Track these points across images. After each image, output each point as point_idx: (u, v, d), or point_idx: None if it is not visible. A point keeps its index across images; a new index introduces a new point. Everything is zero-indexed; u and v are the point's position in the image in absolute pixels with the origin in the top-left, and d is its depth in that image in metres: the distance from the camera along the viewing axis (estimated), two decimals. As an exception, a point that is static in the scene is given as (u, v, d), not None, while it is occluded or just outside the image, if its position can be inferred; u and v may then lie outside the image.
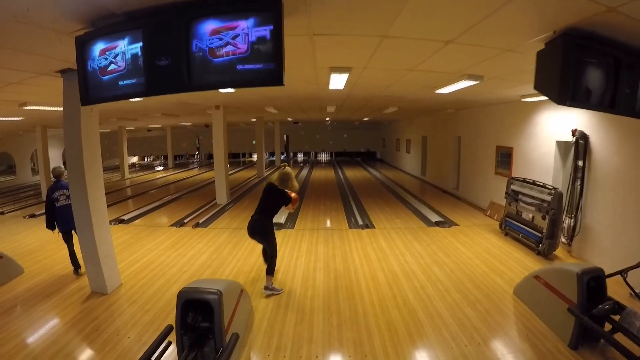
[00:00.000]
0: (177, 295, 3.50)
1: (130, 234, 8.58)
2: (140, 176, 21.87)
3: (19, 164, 21.13)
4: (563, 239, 6.92)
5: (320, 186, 16.15)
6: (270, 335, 4.23)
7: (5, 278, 5.81)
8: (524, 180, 7.76)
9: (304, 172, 22.05)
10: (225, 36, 2.51)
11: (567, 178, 7.22)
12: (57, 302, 5.10)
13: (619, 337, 3.65)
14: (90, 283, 5.46)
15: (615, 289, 4.58)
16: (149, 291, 5.42)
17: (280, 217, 8.68)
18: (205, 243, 7.71)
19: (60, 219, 5.95)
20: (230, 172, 22.17)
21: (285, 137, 32.24)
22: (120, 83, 3.09)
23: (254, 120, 19.70)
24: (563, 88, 3.16)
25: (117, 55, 3.03)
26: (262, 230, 5.27)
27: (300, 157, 32.89)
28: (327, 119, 21.47)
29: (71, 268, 6.08)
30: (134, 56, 2.93)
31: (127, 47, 2.95)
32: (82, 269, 5.84)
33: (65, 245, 6.08)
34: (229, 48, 2.52)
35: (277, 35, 2.41)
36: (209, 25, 2.55)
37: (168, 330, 3.52)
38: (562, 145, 7.64)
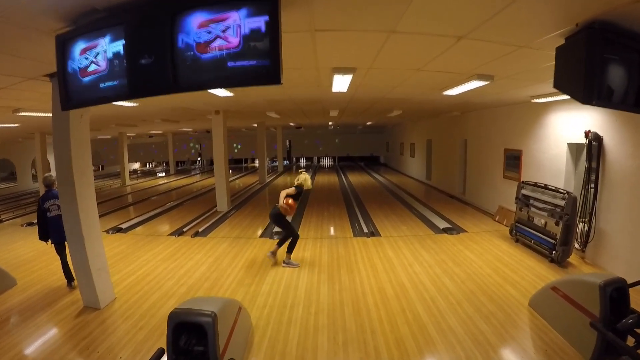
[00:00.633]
0: (168, 316, 3.23)
1: (127, 243, 8.31)
2: (141, 183, 21.65)
3: (20, 171, 21.02)
4: (576, 245, 6.60)
5: (323, 192, 15.84)
6: (271, 356, 3.93)
7: (-3, 290, 5.56)
8: (536, 185, 7.45)
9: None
10: (214, 29, 2.24)
11: (579, 181, 6.96)
12: (49, 316, 4.87)
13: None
14: (83, 297, 5.21)
15: (634, 298, 4.29)
16: (143, 306, 5.16)
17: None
18: (205, 253, 7.42)
19: (53, 230, 5.69)
20: (232, 178, 22.07)
21: (287, 142, 32.03)
22: (102, 85, 2.83)
23: (255, 125, 19.47)
24: (588, 86, 2.91)
25: (97, 54, 2.78)
26: (275, 219, 6.55)
27: (302, 162, 32.61)
28: (330, 123, 21.21)
29: (65, 280, 5.84)
30: (116, 55, 2.68)
31: (108, 46, 2.70)
32: (76, 282, 5.57)
33: None
34: (219, 42, 2.24)
35: (273, 27, 2.13)
36: (197, 18, 2.28)
37: (159, 354, 3.23)
38: (573, 148, 7.36)
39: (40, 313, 4.95)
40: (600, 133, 6.28)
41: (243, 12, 2.17)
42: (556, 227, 6.52)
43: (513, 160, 9.45)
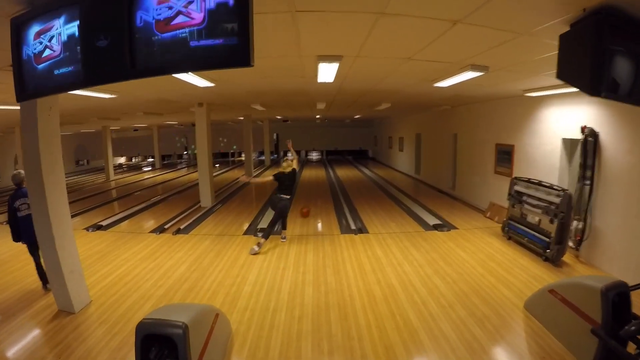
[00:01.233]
0: (135, 327, 2.93)
1: (107, 241, 7.93)
2: (125, 177, 21.11)
3: (1, 167, 20.29)
4: (570, 243, 6.40)
5: (311, 186, 15.53)
6: (250, 367, 3.65)
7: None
8: (529, 181, 7.23)
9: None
10: (175, 4, 1.92)
11: (573, 178, 6.75)
12: (22, 321, 4.58)
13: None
14: (57, 301, 4.91)
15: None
16: (119, 310, 4.84)
17: (265, 222, 8.10)
18: (186, 252, 7.09)
19: (24, 229, 5.33)
20: (219, 172, 21.68)
21: (275, 136, 31.62)
22: (56, 72, 2.50)
23: (241, 118, 19.05)
24: (595, 77, 2.65)
25: (52, 37, 2.45)
26: (282, 210, 7.40)
27: (290, 155, 32.16)
28: (318, 116, 20.88)
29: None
30: (71, 38, 2.36)
31: (62, 27, 2.37)
32: (51, 284, 5.27)
33: None
34: (181, 19, 1.92)
35: (243, 1, 1.81)
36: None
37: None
38: (567, 143, 7.15)
39: (13, 318, 4.67)
40: (596, 129, 6.07)
41: (208, -18, 1.84)
42: (550, 225, 6.31)
43: (505, 156, 9.23)
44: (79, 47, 2.33)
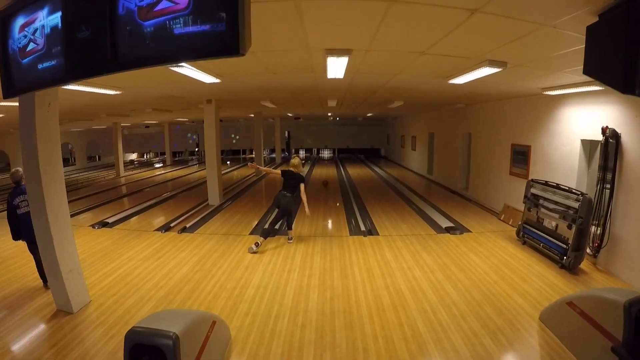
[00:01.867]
0: (125, 335, 2.78)
1: (111, 239, 7.83)
2: (136, 174, 21.13)
3: (13, 162, 20.50)
4: (588, 250, 6.09)
5: (321, 185, 15.30)
6: (248, 379, 3.45)
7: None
8: (546, 184, 6.92)
9: (305, 169, 21.22)
10: (160, -12, 1.71)
11: (593, 181, 6.43)
12: (21, 320, 4.50)
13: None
14: (55, 300, 4.81)
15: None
16: (118, 311, 4.71)
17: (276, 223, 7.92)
18: (190, 251, 6.94)
19: (23, 227, 5.26)
20: (230, 169, 21.59)
21: (286, 134, 31.50)
22: (40, 66, 2.36)
23: (252, 115, 18.92)
24: (629, 73, 2.37)
25: (35, 30, 2.31)
26: (287, 209, 7.23)
27: (302, 154, 32.05)
28: (329, 114, 20.66)
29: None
30: (54, 30, 2.21)
31: (46, 19, 2.22)
32: (51, 282, 5.17)
33: None
34: (164, 4, 1.71)
35: (231, -19, 1.59)
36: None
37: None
38: (587, 145, 6.83)
39: (12, 316, 4.60)
40: (618, 130, 5.76)
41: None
42: (568, 230, 6.01)
43: (520, 156, 8.91)
44: (60, 40, 2.17)
